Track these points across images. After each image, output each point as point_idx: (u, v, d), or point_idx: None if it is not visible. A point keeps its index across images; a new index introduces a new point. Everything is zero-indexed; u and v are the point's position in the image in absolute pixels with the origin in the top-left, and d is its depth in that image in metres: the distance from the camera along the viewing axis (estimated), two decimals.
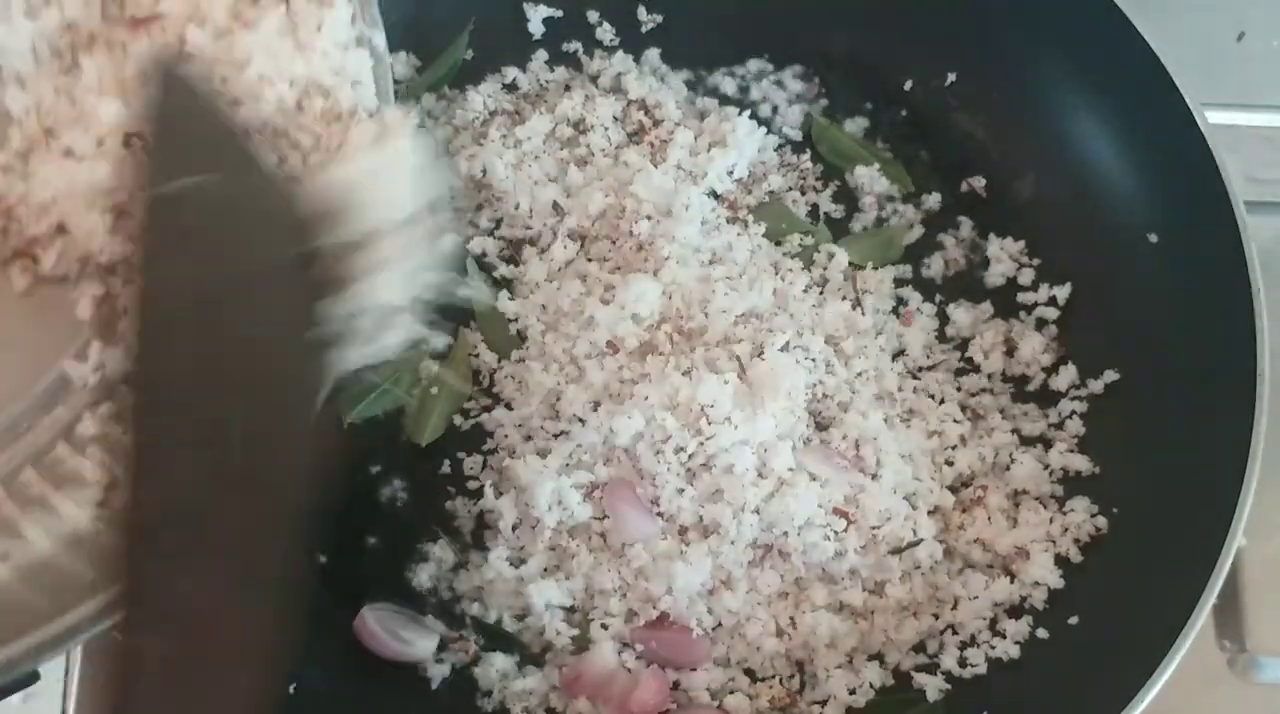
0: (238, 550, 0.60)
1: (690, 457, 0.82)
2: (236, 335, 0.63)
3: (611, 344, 0.86)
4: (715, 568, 0.83)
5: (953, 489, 0.90)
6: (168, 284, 0.63)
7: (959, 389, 0.94)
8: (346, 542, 0.87)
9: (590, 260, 0.93)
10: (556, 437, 0.86)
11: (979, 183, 1.00)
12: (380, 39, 0.73)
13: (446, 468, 0.89)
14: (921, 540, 0.87)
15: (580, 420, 0.83)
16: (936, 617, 0.87)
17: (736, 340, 0.87)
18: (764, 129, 1.00)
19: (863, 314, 0.93)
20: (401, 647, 0.82)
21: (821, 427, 0.87)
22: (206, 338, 0.62)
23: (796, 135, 1.03)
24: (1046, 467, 0.91)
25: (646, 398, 0.83)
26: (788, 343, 0.87)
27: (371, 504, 0.88)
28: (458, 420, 0.90)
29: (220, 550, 0.59)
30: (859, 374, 0.90)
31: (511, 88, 1.02)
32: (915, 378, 0.94)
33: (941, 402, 0.94)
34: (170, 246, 0.63)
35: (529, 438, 0.88)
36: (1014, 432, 0.92)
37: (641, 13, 1.04)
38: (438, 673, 0.84)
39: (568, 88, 1.02)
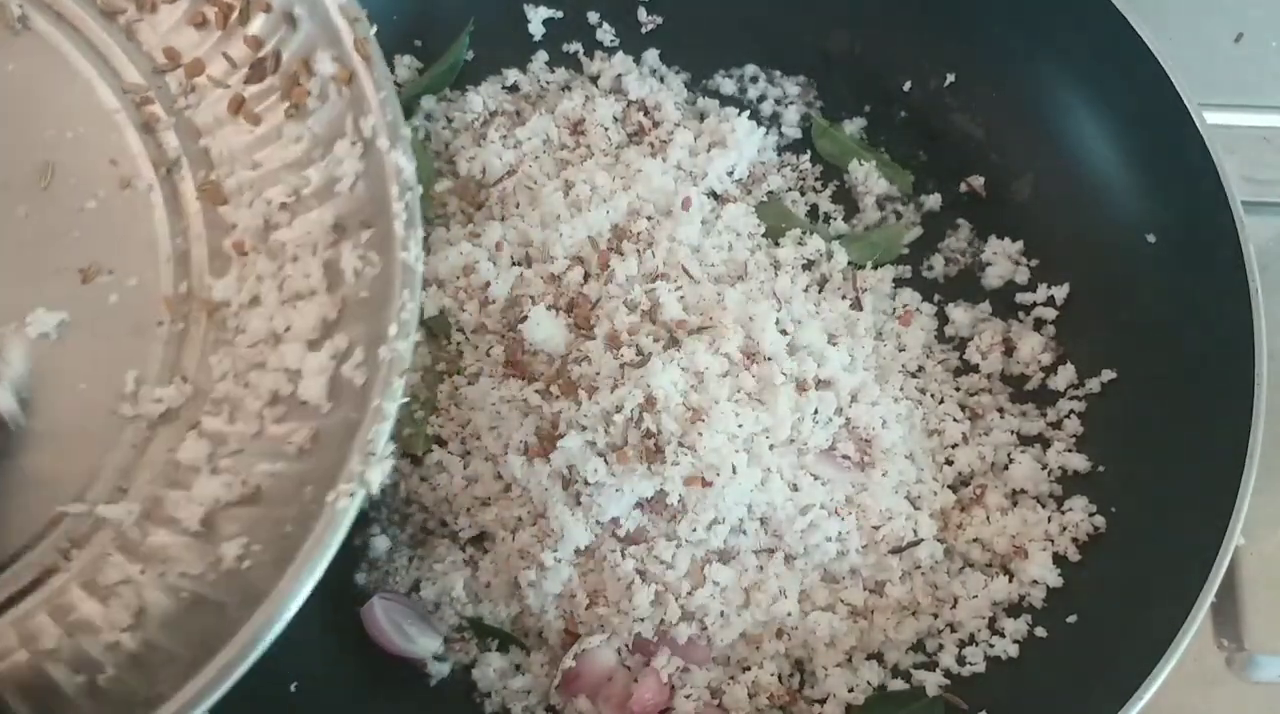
0: None
1: (690, 458, 0.82)
2: None
3: (613, 339, 0.86)
4: (717, 568, 0.84)
5: (952, 488, 0.91)
6: None
7: (958, 389, 0.95)
8: (348, 542, 0.87)
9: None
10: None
11: (978, 183, 1.01)
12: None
13: (445, 469, 0.89)
14: (922, 540, 0.87)
15: (581, 425, 0.84)
16: (936, 616, 0.87)
17: (738, 340, 0.87)
18: (764, 129, 1.01)
19: (862, 313, 0.94)
20: (405, 643, 0.83)
21: (824, 426, 0.87)
22: None
23: (796, 135, 1.03)
24: (1045, 466, 0.91)
25: (647, 396, 0.83)
26: (788, 343, 0.87)
27: (372, 505, 0.88)
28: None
29: None
30: (859, 373, 0.90)
31: (512, 89, 1.02)
32: (914, 377, 0.94)
33: (941, 401, 0.94)
34: None
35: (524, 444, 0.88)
36: (1013, 431, 0.93)
37: (642, 14, 1.04)
38: (438, 671, 0.84)
39: (568, 88, 1.02)
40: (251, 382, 0.77)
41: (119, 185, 0.81)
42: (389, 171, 0.76)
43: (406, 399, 0.74)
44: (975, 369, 0.96)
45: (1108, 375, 0.92)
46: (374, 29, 0.78)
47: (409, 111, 0.99)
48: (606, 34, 1.04)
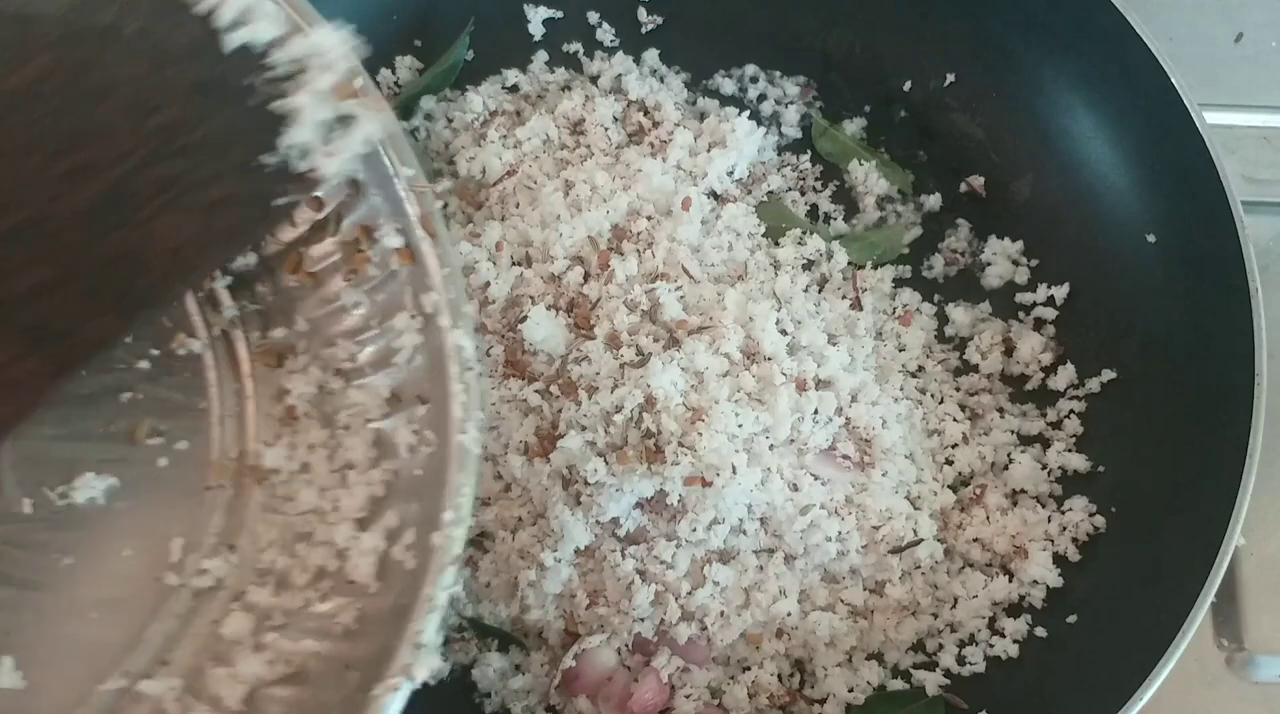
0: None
1: (690, 458, 0.82)
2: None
3: (613, 339, 0.86)
4: (717, 568, 0.84)
5: (952, 488, 0.91)
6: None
7: (958, 389, 0.95)
8: None
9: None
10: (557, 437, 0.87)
11: (978, 183, 1.01)
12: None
13: None
14: (922, 540, 0.87)
15: (581, 425, 0.84)
16: (936, 616, 0.87)
17: (738, 340, 0.87)
18: (764, 129, 1.01)
19: (862, 313, 0.94)
20: None
21: (824, 426, 0.87)
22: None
23: (796, 135, 1.03)
24: (1045, 466, 0.91)
25: (647, 396, 0.83)
26: (788, 343, 0.87)
27: None
28: None
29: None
30: (859, 373, 0.90)
31: (512, 89, 1.02)
32: (914, 377, 0.95)
33: (940, 401, 0.94)
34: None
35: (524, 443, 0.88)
36: (1013, 431, 0.93)
37: (642, 14, 1.04)
38: (438, 671, 0.84)
39: (568, 88, 1.02)
40: (299, 553, 0.75)
41: (174, 344, 0.79)
42: (449, 349, 0.73)
43: (459, 586, 0.73)
44: (975, 369, 0.96)
45: (1108, 375, 0.92)
46: (441, 205, 0.75)
47: (409, 112, 1.00)
48: (606, 34, 1.04)
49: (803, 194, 1.01)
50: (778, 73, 1.04)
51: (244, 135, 0.68)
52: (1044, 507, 0.90)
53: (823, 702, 0.84)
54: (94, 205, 0.65)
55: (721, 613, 0.83)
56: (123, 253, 0.66)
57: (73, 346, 0.67)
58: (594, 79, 1.03)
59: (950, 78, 1.02)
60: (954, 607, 0.87)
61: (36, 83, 0.65)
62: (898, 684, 0.85)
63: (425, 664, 0.67)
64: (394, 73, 1.01)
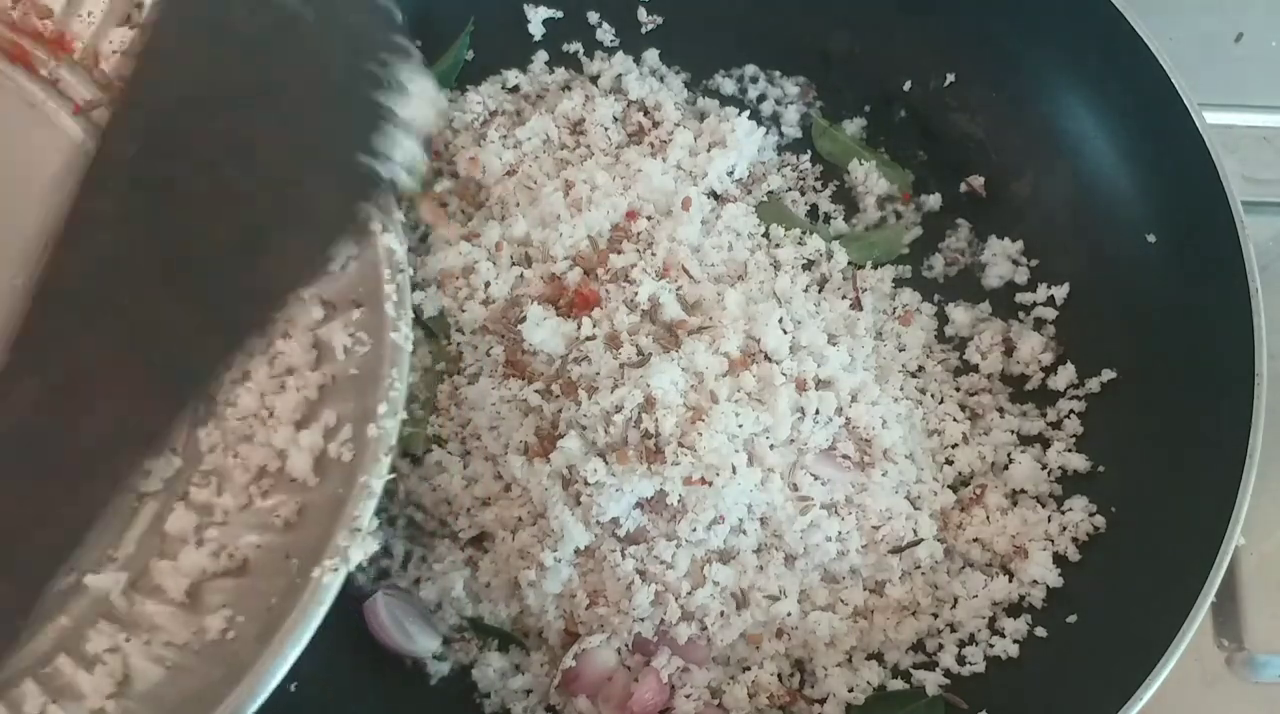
0: (165, 343, 0.63)
1: (690, 458, 0.82)
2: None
3: (613, 339, 0.86)
4: (717, 568, 0.84)
5: (952, 488, 0.91)
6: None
7: (958, 389, 0.95)
8: None
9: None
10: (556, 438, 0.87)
11: (978, 183, 1.01)
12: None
13: (445, 469, 0.89)
14: (922, 540, 0.87)
15: (581, 425, 0.84)
16: (936, 616, 0.87)
17: (738, 340, 0.87)
18: (764, 129, 1.01)
19: (862, 313, 0.94)
20: (404, 640, 0.83)
21: (824, 426, 0.87)
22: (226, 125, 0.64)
23: (796, 135, 1.03)
24: (1045, 466, 0.91)
25: (647, 396, 0.83)
26: (789, 343, 0.87)
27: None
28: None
29: (141, 334, 0.62)
30: (859, 373, 0.90)
31: (512, 89, 1.02)
32: (914, 377, 0.95)
33: (941, 401, 0.94)
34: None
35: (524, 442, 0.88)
36: (1013, 431, 0.93)
37: (642, 14, 1.04)
38: (438, 670, 0.84)
39: (568, 88, 1.02)
40: (240, 454, 0.78)
41: None
42: (381, 254, 0.77)
43: (393, 475, 0.75)
44: (975, 369, 0.96)
45: (1108, 375, 0.92)
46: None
47: None
48: (606, 34, 1.04)
49: (803, 194, 1.01)
50: (778, 73, 1.04)
51: (353, 125, 0.68)
52: (1044, 507, 0.90)
53: (823, 702, 0.84)
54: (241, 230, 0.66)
55: (721, 613, 0.83)
56: (254, 285, 0.68)
57: (193, 385, 0.68)
58: (594, 79, 1.03)
59: (950, 78, 1.02)
60: (954, 607, 0.87)
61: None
62: (898, 684, 0.85)
63: (361, 548, 0.70)
64: None
